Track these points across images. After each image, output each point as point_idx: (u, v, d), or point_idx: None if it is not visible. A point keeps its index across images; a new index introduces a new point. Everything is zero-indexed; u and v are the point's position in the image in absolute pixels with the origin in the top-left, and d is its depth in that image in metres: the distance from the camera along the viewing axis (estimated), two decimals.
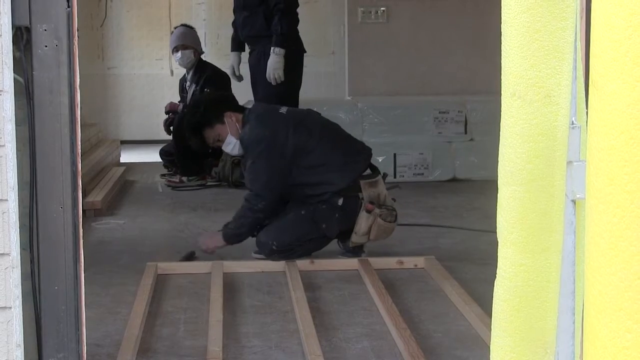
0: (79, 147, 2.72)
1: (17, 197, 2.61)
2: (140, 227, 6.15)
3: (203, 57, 8.03)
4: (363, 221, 4.92)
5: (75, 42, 2.68)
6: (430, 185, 7.66)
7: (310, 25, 9.78)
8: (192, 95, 7.77)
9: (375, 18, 8.50)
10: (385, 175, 5.12)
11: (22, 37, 2.65)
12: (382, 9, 8.48)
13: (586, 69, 1.72)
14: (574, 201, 1.86)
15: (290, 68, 6.91)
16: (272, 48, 6.82)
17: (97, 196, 6.65)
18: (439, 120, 7.94)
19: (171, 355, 3.69)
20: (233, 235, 5.00)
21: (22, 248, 2.66)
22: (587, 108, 1.65)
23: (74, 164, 2.70)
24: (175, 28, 8.17)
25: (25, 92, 2.67)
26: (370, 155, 5.13)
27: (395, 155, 7.82)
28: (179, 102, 8.07)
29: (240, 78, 7.45)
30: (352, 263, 4.94)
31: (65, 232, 2.71)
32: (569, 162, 1.85)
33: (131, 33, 11.03)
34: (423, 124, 7.93)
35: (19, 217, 2.63)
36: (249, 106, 5.26)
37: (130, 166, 8.72)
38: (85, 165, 6.81)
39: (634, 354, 1.46)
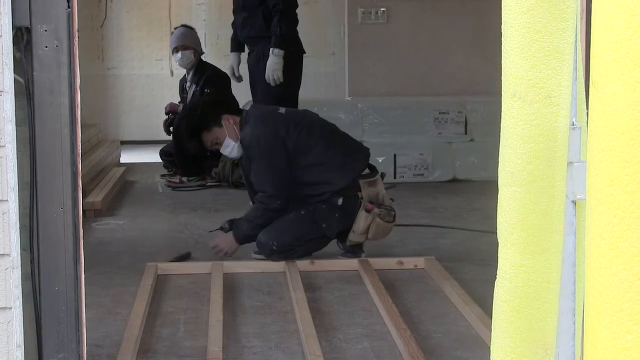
0: (79, 147, 2.73)
1: (18, 198, 2.61)
2: (140, 228, 6.15)
3: (203, 57, 8.03)
4: (362, 220, 4.93)
5: (76, 43, 2.68)
6: (430, 185, 7.66)
7: (310, 25, 9.78)
8: (192, 95, 7.77)
9: (375, 18, 8.50)
10: (383, 175, 5.13)
11: (22, 37, 2.65)
12: (382, 9, 8.48)
13: (586, 70, 1.72)
14: (574, 202, 1.86)
15: (290, 69, 6.90)
16: (271, 49, 6.82)
17: (97, 197, 6.65)
18: (439, 121, 7.94)
19: (171, 356, 3.69)
20: (246, 237, 5.01)
21: (22, 248, 2.66)
22: (587, 109, 1.65)
23: (74, 164, 2.70)
24: (175, 28, 8.17)
25: (25, 93, 2.67)
26: (369, 154, 5.14)
27: (395, 155, 7.82)
28: (179, 102, 8.07)
29: (239, 79, 7.45)
30: (352, 263, 4.94)
31: (66, 233, 2.71)
32: (570, 163, 1.85)
33: (131, 34, 11.03)
34: (423, 124, 7.93)
35: (19, 218, 2.63)
36: (248, 107, 5.26)
37: (130, 167, 8.72)
38: (86, 166, 6.81)
39: (634, 355, 1.46)
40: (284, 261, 4.89)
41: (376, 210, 4.93)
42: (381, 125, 7.91)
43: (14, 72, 2.61)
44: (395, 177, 7.75)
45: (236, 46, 7.38)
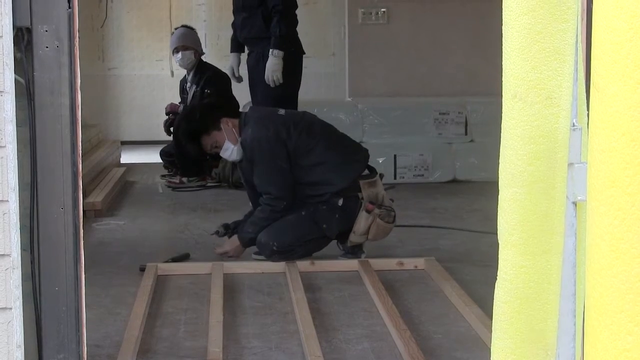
0: (80, 148, 2.72)
1: (18, 198, 2.61)
2: (140, 228, 6.15)
3: (203, 58, 8.03)
4: (362, 221, 4.93)
5: (76, 43, 2.68)
6: (431, 186, 7.66)
7: (310, 26, 9.78)
8: (193, 96, 7.77)
9: (375, 19, 8.50)
10: (381, 176, 5.13)
11: (23, 38, 2.65)
12: (382, 10, 8.48)
13: (587, 71, 1.72)
14: (574, 203, 1.86)
15: (289, 70, 6.90)
16: (270, 50, 6.81)
17: (98, 197, 6.65)
18: (439, 122, 7.94)
19: (171, 356, 3.69)
20: (252, 240, 5.01)
21: (23, 249, 2.66)
22: (588, 110, 1.65)
23: (74, 164, 2.70)
24: (175, 29, 8.17)
25: (26, 93, 2.67)
26: (368, 155, 5.15)
27: (395, 156, 7.81)
28: (179, 103, 8.07)
29: (239, 79, 7.45)
30: (352, 264, 4.94)
31: (66, 233, 2.71)
32: (570, 164, 1.85)
33: (131, 34, 11.03)
34: (423, 125, 7.93)
35: (20, 218, 2.63)
36: (246, 110, 5.27)
37: (130, 167, 8.72)
38: (86, 166, 6.81)
39: (635, 356, 1.46)
40: (284, 262, 4.89)
41: (376, 210, 4.94)
42: (381, 126, 7.91)
43: (15, 73, 2.61)
44: (395, 178, 7.74)
45: (236, 47, 7.38)
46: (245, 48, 7.30)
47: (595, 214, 1.54)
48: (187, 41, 7.84)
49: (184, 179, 7.66)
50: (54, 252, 2.71)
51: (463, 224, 6.08)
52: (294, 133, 4.99)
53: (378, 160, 7.45)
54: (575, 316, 1.89)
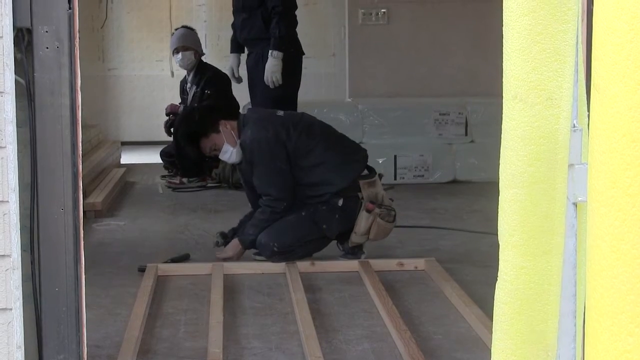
0: (80, 148, 2.72)
1: (18, 199, 2.61)
2: (140, 229, 6.15)
3: (203, 58, 8.03)
4: (363, 221, 4.94)
5: (77, 44, 2.68)
6: (431, 187, 7.66)
7: (310, 27, 9.78)
8: (193, 97, 7.77)
9: (375, 20, 8.50)
10: (380, 176, 5.14)
11: (23, 38, 2.65)
12: (382, 10, 8.48)
13: (588, 72, 1.72)
14: (575, 204, 1.86)
15: (289, 71, 6.89)
16: (270, 51, 6.80)
17: (98, 197, 6.65)
18: (439, 122, 7.94)
19: (171, 357, 3.69)
20: (253, 242, 5.01)
21: (23, 249, 2.66)
22: (588, 111, 1.65)
23: (74, 165, 2.70)
24: (175, 29, 8.17)
25: (26, 94, 2.66)
26: (367, 155, 5.15)
27: (395, 157, 7.81)
28: (179, 103, 8.07)
29: (239, 80, 7.44)
30: (352, 265, 4.94)
31: (66, 234, 2.71)
32: (571, 165, 1.85)
33: (131, 34, 11.03)
34: (423, 125, 7.93)
35: (20, 219, 2.63)
36: (246, 110, 5.27)
37: (130, 167, 8.72)
38: (86, 167, 6.81)
39: (635, 357, 1.46)
40: (284, 262, 4.89)
41: (377, 210, 4.94)
42: (381, 127, 7.91)
43: (15, 73, 2.61)
44: (395, 179, 7.74)
45: (236, 47, 7.38)
46: (245, 49, 7.30)
47: (595, 215, 1.54)
48: (187, 42, 7.84)
49: (184, 180, 7.66)
50: (54, 252, 2.70)
51: (463, 224, 6.08)
52: (293, 134, 4.99)
53: (378, 161, 7.45)
54: (575, 317, 1.89)
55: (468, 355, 3.67)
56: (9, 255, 2.58)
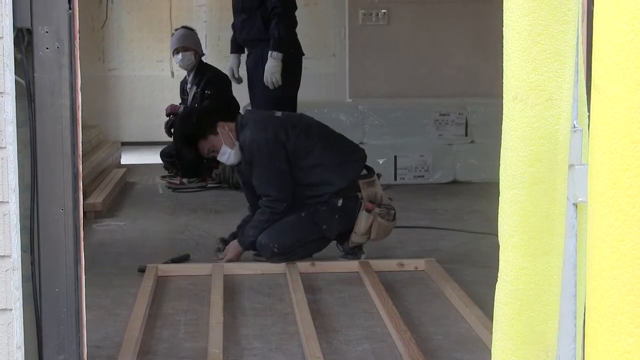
0: (80, 148, 2.72)
1: (18, 199, 2.61)
2: (140, 229, 6.15)
3: (204, 59, 8.03)
4: (363, 221, 4.94)
5: (77, 44, 2.68)
6: (431, 187, 7.66)
7: (310, 27, 9.77)
8: (193, 97, 7.77)
9: (376, 20, 8.50)
10: (379, 176, 5.14)
11: (23, 39, 2.65)
12: (382, 11, 8.48)
13: (588, 73, 1.72)
14: (575, 204, 1.86)
15: (289, 71, 6.88)
16: (269, 52, 6.80)
17: (98, 198, 6.64)
18: (439, 123, 7.93)
19: (171, 357, 3.69)
20: (253, 243, 5.01)
21: (23, 250, 2.66)
22: (589, 111, 1.65)
23: (74, 165, 2.70)
24: (176, 30, 8.17)
25: (26, 94, 2.66)
26: (365, 155, 5.15)
27: (395, 157, 7.81)
28: (179, 104, 8.07)
29: (239, 80, 7.44)
30: (352, 265, 4.94)
31: (66, 234, 2.71)
32: (571, 166, 1.85)
33: (132, 35, 11.03)
34: (423, 126, 7.93)
35: (20, 219, 2.63)
36: (243, 112, 5.27)
37: (130, 168, 8.72)
38: (86, 167, 6.81)
39: (635, 357, 1.46)
40: (284, 263, 4.89)
41: (377, 210, 4.94)
42: (382, 127, 7.91)
43: (15, 74, 2.61)
44: (395, 179, 7.75)
45: (236, 48, 7.37)
46: (245, 49, 7.30)
47: (596, 215, 1.54)
48: (187, 42, 7.84)
49: (184, 180, 7.66)
50: (54, 253, 2.70)
51: (463, 225, 6.08)
52: (292, 135, 4.99)
53: (378, 162, 7.45)
54: (576, 318, 1.89)
55: (468, 355, 3.67)
56: (9, 256, 2.58)
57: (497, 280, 1.92)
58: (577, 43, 1.84)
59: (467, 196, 7.15)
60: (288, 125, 5.04)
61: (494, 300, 1.93)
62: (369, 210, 4.94)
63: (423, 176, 7.84)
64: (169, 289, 4.64)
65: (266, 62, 6.83)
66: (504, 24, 1.86)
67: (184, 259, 5.18)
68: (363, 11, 8.49)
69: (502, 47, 1.87)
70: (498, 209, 1.90)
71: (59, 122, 2.68)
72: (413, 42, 8.51)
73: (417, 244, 5.57)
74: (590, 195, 1.58)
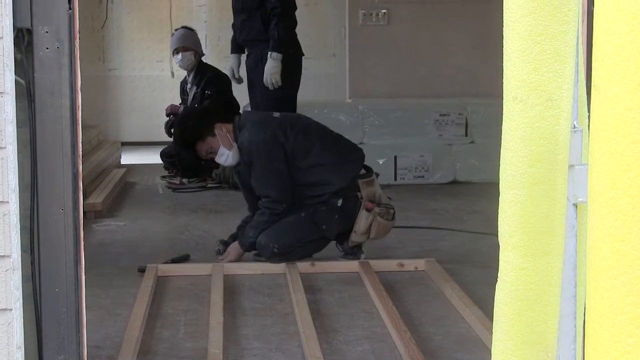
0: (80, 149, 2.72)
1: (18, 199, 2.61)
2: (140, 229, 6.15)
3: (204, 59, 8.03)
4: (363, 220, 4.94)
5: (77, 44, 2.68)
6: (431, 187, 7.66)
7: (310, 27, 9.78)
8: (193, 97, 7.77)
9: (376, 20, 8.50)
10: (377, 175, 5.14)
11: (23, 39, 2.65)
12: (383, 11, 8.48)
13: (588, 73, 1.72)
14: (575, 205, 1.86)
15: (289, 72, 6.88)
16: (269, 53, 6.79)
17: (98, 198, 6.64)
18: (439, 123, 7.93)
19: (171, 357, 3.69)
20: (253, 244, 5.01)
21: (23, 250, 2.66)
22: (589, 112, 1.65)
23: (74, 165, 2.70)
24: (175, 30, 8.17)
25: (26, 94, 2.66)
26: (363, 155, 5.16)
27: (395, 157, 7.81)
28: (179, 104, 8.07)
29: (239, 80, 7.44)
30: (352, 265, 4.94)
31: (66, 234, 2.71)
32: (571, 166, 1.85)
33: (132, 35, 11.03)
34: (424, 126, 7.93)
35: (20, 219, 2.63)
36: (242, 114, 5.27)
37: (130, 168, 8.72)
38: (86, 167, 6.81)
39: (635, 358, 1.46)
40: (284, 263, 4.89)
41: (376, 209, 4.95)
42: (382, 127, 7.91)
43: (15, 74, 2.61)
44: (395, 179, 7.75)
45: (236, 48, 7.37)
46: (245, 49, 7.29)
47: (596, 216, 1.54)
48: (187, 42, 7.84)
49: (184, 180, 7.66)
50: (54, 253, 2.70)
51: (463, 225, 6.08)
52: (290, 135, 5.00)
53: (378, 162, 7.45)
54: (575, 318, 1.89)
55: (468, 356, 3.67)
56: (9, 256, 2.58)
57: (497, 280, 1.92)
58: (577, 43, 1.84)
59: (467, 196, 7.15)
60: (286, 125, 5.04)
61: (494, 300, 1.93)
62: (368, 210, 4.94)
63: (423, 176, 7.84)
64: (169, 289, 4.64)
65: (266, 62, 6.83)
66: (504, 24, 1.86)
67: (184, 259, 5.18)
68: (363, 11, 8.49)
69: (502, 47, 1.87)
70: (498, 209, 1.90)
71: (59, 122, 2.68)
72: (413, 42, 8.51)
73: (417, 244, 5.57)
74: (590, 196, 1.58)
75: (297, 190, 5.01)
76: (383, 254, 5.19)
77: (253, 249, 5.04)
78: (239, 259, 5.05)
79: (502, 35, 1.87)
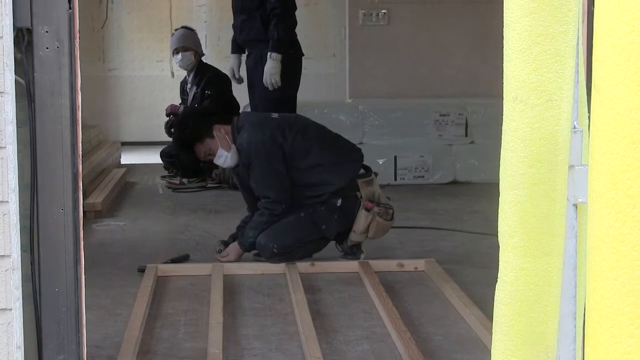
0: (80, 148, 2.72)
1: (18, 199, 2.61)
2: (140, 229, 6.15)
3: (204, 59, 8.03)
4: (362, 220, 4.94)
5: (77, 44, 2.68)
6: (431, 187, 7.66)
7: (310, 27, 9.78)
8: (193, 97, 7.77)
9: (376, 20, 8.50)
10: (376, 175, 5.14)
11: (23, 38, 2.65)
12: (383, 11, 8.48)
13: (588, 73, 1.72)
14: (575, 205, 1.86)
15: (288, 72, 6.87)
16: (268, 53, 6.79)
17: (98, 198, 6.64)
18: (439, 123, 7.93)
19: (171, 357, 3.69)
20: (253, 245, 5.01)
21: (23, 250, 2.66)
22: (589, 112, 1.65)
23: (74, 165, 2.70)
24: (175, 30, 8.17)
25: (26, 94, 2.66)
26: (362, 154, 5.16)
27: (395, 157, 7.81)
28: (179, 104, 8.06)
29: (240, 80, 7.44)
30: (352, 265, 4.94)
31: (66, 234, 2.71)
32: (571, 166, 1.85)
33: (132, 35, 11.03)
34: (424, 126, 7.93)
35: (20, 219, 2.63)
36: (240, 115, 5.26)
37: (130, 168, 8.72)
38: (86, 167, 6.81)
39: (635, 359, 1.46)
40: (284, 263, 4.89)
41: (376, 209, 4.95)
42: (382, 127, 7.91)
43: (15, 74, 2.61)
44: (395, 179, 7.75)
45: (236, 48, 7.37)
46: (245, 49, 7.29)
47: (596, 216, 1.54)
48: (187, 42, 7.84)
49: (184, 180, 7.66)
50: (54, 253, 2.70)
51: (463, 225, 6.08)
52: (289, 136, 5.00)
53: (378, 162, 7.45)
54: (575, 318, 1.89)
55: (468, 356, 3.67)
56: (8, 256, 2.58)
57: (497, 280, 1.92)
58: (578, 44, 1.84)
59: (467, 196, 7.15)
60: (285, 126, 5.04)
61: (493, 300, 1.93)
62: (368, 209, 4.94)
63: (423, 176, 7.84)
64: (168, 289, 4.64)
65: (265, 63, 6.82)
66: (504, 24, 1.86)
67: (183, 259, 5.18)
68: (363, 11, 8.49)
69: (502, 47, 1.87)
70: (498, 209, 1.90)
71: (58, 122, 2.68)
72: (413, 42, 8.51)
73: (417, 244, 5.57)
74: (590, 196, 1.58)
75: (297, 191, 5.01)
76: (383, 254, 5.19)
77: (253, 249, 5.04)
78: (238, 259, 5.05)
79: (502, 36, 1.87)
